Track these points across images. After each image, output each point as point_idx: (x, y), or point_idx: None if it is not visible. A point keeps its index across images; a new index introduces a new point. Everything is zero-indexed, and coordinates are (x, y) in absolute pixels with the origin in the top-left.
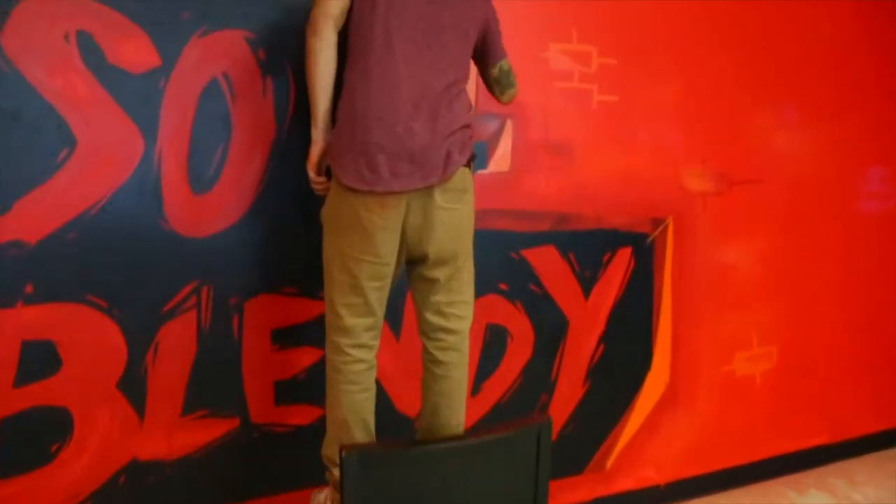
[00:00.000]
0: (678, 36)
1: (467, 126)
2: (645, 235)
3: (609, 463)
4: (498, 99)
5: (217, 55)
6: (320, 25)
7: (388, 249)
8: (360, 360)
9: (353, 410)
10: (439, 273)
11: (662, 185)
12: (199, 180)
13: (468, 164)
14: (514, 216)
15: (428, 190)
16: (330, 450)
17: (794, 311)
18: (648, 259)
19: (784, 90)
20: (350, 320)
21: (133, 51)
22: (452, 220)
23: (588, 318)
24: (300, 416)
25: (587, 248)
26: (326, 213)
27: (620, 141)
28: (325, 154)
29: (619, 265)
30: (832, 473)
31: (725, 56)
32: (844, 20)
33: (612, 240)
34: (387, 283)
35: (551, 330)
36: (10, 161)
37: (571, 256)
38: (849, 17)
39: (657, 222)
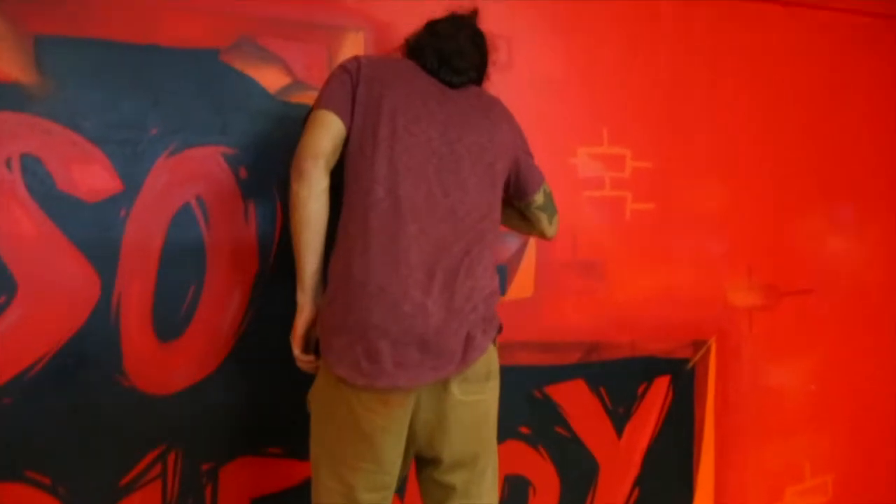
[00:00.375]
0: (718, 134)
1: (492, 294)
2: (685, 361)
3: None
4: (544, 234)
5: (190, 176)
6: (307, 167)
7: (391, 456)
8: None
9: None
10: (456, 478)
11: (705, 303)
12: (167, 327)
13: (493, 341)
14: (538, 349)
15: (444, 382)
16: None
17: (851, 436)
18: (689, 387)
19: (836, 188)
20: None
21: (89, 175)
22: (474, 415)
23: (621, 459)
24: None
25: (620, 379)
26: (314, 401)
27: (657, 255)
28: (312, 324)
29: (656, 397)
30: None
31: (771, 154)
32: None
33: (648, 368)
34: (389, 494)
35: (579, 476)
36: None
37: (602, 391)
38: None
39: (698, 345)
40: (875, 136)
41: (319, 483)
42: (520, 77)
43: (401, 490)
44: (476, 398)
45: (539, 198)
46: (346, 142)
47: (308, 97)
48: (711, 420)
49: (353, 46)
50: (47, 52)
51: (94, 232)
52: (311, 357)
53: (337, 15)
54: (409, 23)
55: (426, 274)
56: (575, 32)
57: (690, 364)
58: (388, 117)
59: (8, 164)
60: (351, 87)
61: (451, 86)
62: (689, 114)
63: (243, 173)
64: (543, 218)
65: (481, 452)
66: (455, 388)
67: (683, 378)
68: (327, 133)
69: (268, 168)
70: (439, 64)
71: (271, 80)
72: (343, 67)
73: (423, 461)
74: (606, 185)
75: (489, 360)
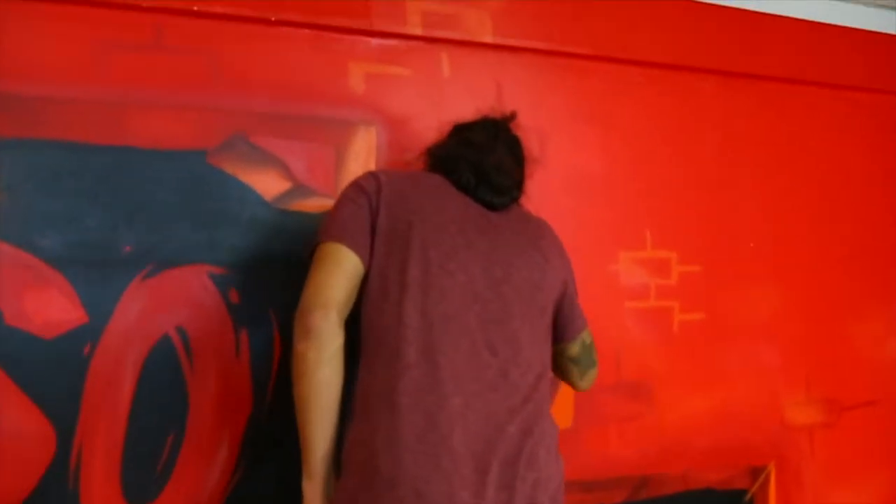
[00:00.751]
0: (769, 231)
1: (560, 484)
2: (743, 492)
3: None
4: (575, 385)
5: (171, 301)
6: (316, 321)
7: None
8: None
9: None
10: None
11: (761, 423)
12: (139, 488)
13: None
14: (578, 488)
15: None
16: None
17: None
18: None
19: None
20: None
21: (45, 305)
22: None
23: None
24: None
25: None
26: None
27: (709, 371)
28: None
29: None
30: None
31: (826, 252)
32: None
33: (703, 503)
34: None
35: None
36: None
37: None
38: None
39: (757, 472)
40: None
41: None
42: (553, 174)
43: None
44: None
45: (574, 348)
46: (364, 283)
47: (312, 205)
48: None
49: (363, 143)
50: (2, 157)
51: (49, 375)
52: None
53: (344, 107)
54: (428, 117)
55: (476, 468)
56: (612, 124)
57: (749, 495)
58: (419, 252)
59: None
60: (369, 212)
61: (491, 208)
62: (736, 210)
63: (234, 297)
64: (574, 371)
65: None
66: None
67: None
68: (342, 274)
69: (263, 290)
70: (477, 181)
71: (268, 184)
72: (358, 187)
73: None
74: (652, 295)
75: None
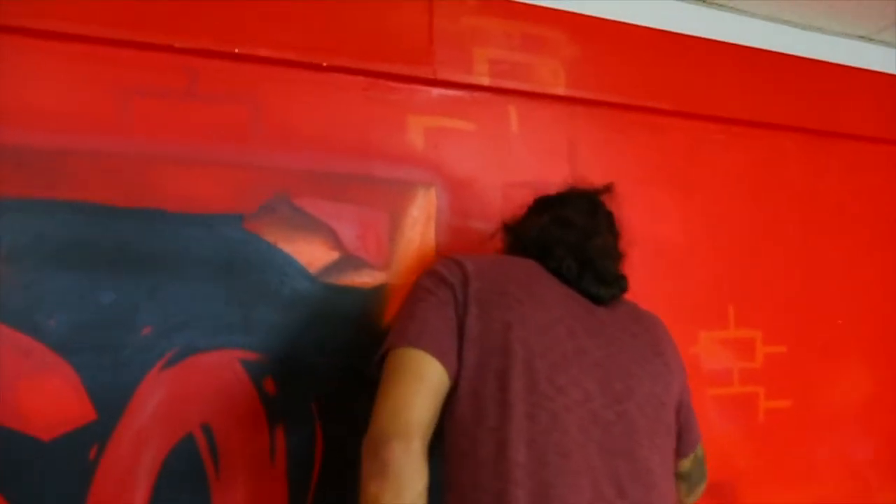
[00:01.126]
0: (859, 307)
1: None
2: None
3: None
4: (683, 501)
5: (195, 394)
6: (395, 454)
7: None
8: None
9: None
10: None
11: None
12: None
13: None
14: None
15: None
16: None
17: None
18: None
19: None
20: None
21: (46, 399)
22: None
23: None
24: None
25: None
26: None
27: (797, 467)
28: None
29: None
30: None
31: None
32: None
33: None
34: None
35: None
36: None
37: None
38: None
39: None
40: None
41: None
42: (626, 243)
43: None
44: None
45: (686, 463)
46: (450, 402)
47: (363, 279)
48: None
49: (422, 207)
50: None
51: (49, 484)
52: None
53: (401, 166)
54: (494, 177)
55: None
56: (691, 186)
57: None
58: (522, 362)
59: None
60: (455, 310)
61: (598, 301)
62: (822, 281)
63: (270, 387)
64: (683, 488)
65: None
66: None
67: None
68: (425, 391)
69: (305, 381)
70: (580, 270)
71: (313, 254)
72: (439, 277)
73: None
74: (735, 380)
75: None
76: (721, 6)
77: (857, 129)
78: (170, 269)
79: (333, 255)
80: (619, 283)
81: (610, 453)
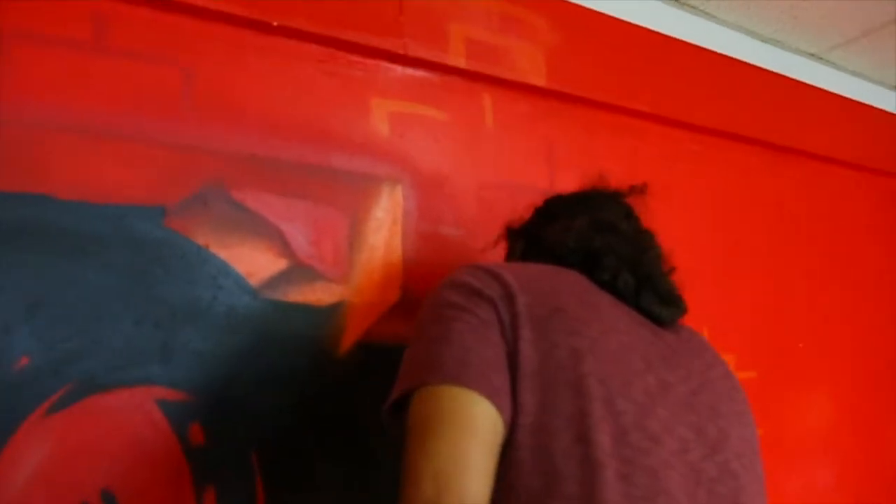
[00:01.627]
0: (818, 330)
1: None
2: None
3: None
4: None
5: (93, 447)
6: None
7: None
8: None
9: None
10: None
11: None
12: None
13: None
14: None
15: None
16: None
17: None
18: None
19: None
20: None
21: None
22: None
23: None
24: None
25: None
26: None
27: (770, 495)
28: None
29: None
30: None
31: (878, 353)
32: None
33: None
34: None
35: None
36: None
37: None
38: None
39: None
40: None
41: None
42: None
43: None
44: None
45: None
46: (507, 461)
47: (316, 294)
48: None
49: (387, 209)
50: None
51: None
52: None
53: (363, 157)
54: (467, 177)
55: None
56: (668, 201)
57: None
58: (604, 406)
59: None
60: (501, 334)
61: (660, 324)
62: (787, 302)
63: (198, 436)
64: None
65: None
66: None
67: None
68: (480, 446)
69: (243, 425)
70: (638, 285)
71: (254, 263)
72: (471, 291)
73: None
74: None
75: None
76: (702, 12)
77: (813, 148)
78: (60, 276)
79: (280, 264)
80: (681, 304)
81: None
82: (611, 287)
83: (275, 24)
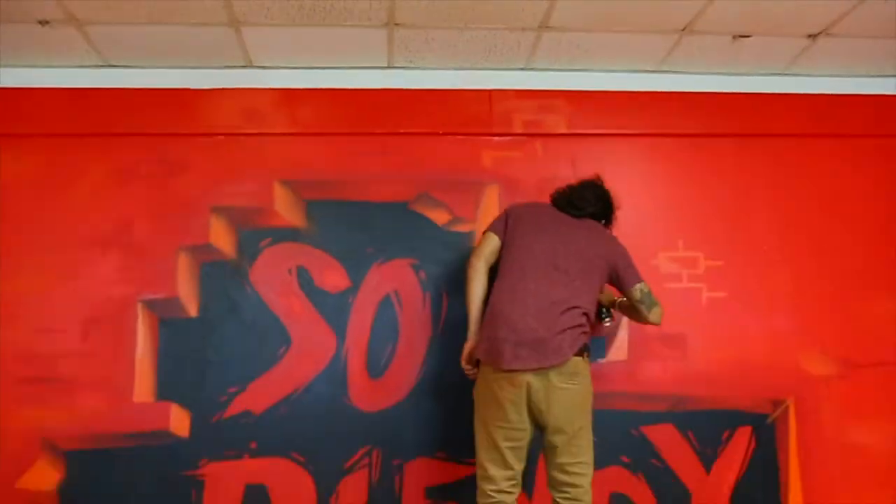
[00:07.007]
0: (788, 228)
1: (580, 326)
2: (765, 416)
3: None
4: (647, 321)
5: (390, 278)
6: (475, 262)
7: (516, 418)
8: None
9: None
10: (558, 440)
11: (781, 370)
12: (375, 369)
13: (580, 354)
14: (632, 398)
15: (545, 372)
16: None
17: None
18: (770, 437)
19: None
20: (492, 471)
21: (332, 277)
22: (567, 397)
23: (710, 491)
24: None
25: (705, 427)
26: (475, 392)
27: (732, 331)
28: (474, 349)
29: (740, 443)
30: None
31: (839, 243)
32: None
33: (730, 419)
34: (521, 444)
35: (674, 501)
36: (247, 356)
37: (690, 434)
38: None
39: (777, 404)
40: None
41: (479, 441)
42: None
43: (529, 490)
44: (568, 386)
45: (636, 293)
46: (501, 248)
47: (462, 227)
48: (797, 469)
49: (490, 195)
50: (313, 210)
51: (334, 311)
52: (471, 367)
53: (480, 174)
54: (529, 179)
55: (537, 311)
56: (660, 165)
57: (770, 419)
58: (529, 235)
59: (289, 271)
60: (505, 220)
61: (573, 216)
62: (756, 216)
63: (423, 276)
64: (642, 309)
65: (575, 422)
66: (554, 378)
67: (765, 430)
68: (489, 245)
69: (439, 274)
70: (566, 204)
71: (440, 218)
72: (503, 212)
73: (540, 429)
74: (684, 279)
75: (576, 364)
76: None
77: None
78: (379, 226)
79: (449, 217)
80: (585, 210)
81: (557, 258)
82: (556, 207)
83: (440, 132)
